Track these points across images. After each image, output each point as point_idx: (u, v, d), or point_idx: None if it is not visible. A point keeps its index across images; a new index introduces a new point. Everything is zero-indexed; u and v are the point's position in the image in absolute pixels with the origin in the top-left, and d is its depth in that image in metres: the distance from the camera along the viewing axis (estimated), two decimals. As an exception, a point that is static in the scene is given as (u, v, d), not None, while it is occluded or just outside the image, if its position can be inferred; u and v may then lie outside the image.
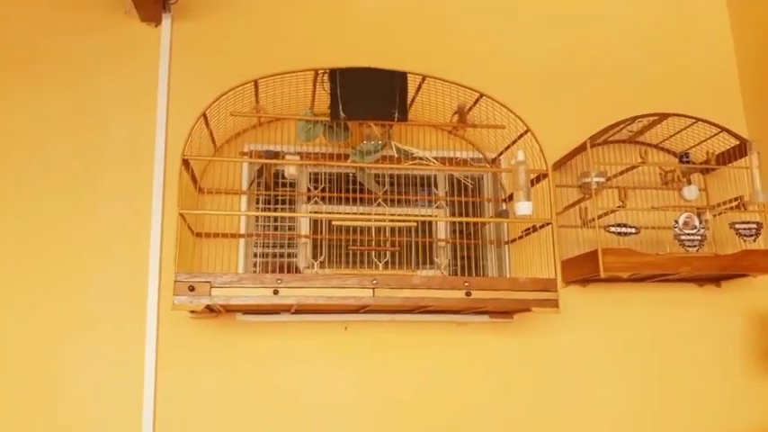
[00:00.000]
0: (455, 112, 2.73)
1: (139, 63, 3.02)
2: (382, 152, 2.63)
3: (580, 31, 3.41)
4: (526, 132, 2.69)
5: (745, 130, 3.35)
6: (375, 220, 2.69)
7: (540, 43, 3.36)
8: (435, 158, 2.95)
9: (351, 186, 2.87)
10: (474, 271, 3.10)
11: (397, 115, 2.55)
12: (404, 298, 2.41)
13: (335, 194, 2.88)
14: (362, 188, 2.90)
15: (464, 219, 3.00)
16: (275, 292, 2.33)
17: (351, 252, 2.92)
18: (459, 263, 3.12)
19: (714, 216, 3.05)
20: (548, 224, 2.63)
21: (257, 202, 3.00)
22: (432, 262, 3.01)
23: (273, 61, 2.78)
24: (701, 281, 3.11)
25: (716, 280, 3.10)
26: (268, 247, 3.02)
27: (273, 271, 2.84)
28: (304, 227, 3.00)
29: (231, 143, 2.92)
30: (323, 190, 2.94)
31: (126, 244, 2.79)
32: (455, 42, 3.28)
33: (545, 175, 2.68)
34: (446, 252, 3.07)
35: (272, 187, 2.86)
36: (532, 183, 2.77)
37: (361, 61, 2.61)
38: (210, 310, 2.63)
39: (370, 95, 2.55)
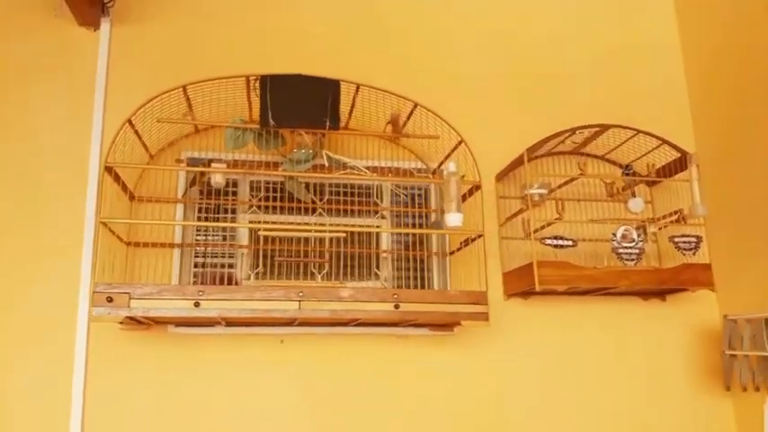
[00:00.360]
0: (388, 122, 2.69)
1: (77, 68, 2.97)
2: (313, 161, 2.57)
3: (528, 43, 3.40)
4: (460, 143, 2.66)
5: (692, 142, 3.33)
6: (301, 231, 2.64)
7: (489, 55, 3.33)
8: (376, 168, 2.92)
9: (286, 195, 2.82)
10: (419, 283, 3.07)
11: (328, 123, 2.50)
12: (331, 311, 2.36)
13: (270, 204, 2.85)
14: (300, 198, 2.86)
15: (395, 230, 2.96)
16: (196, 305, 2.27)
17: (290, 264, 2.88)
18: (404, 275, 3.08)
19: (660, 229, 3.04)
20: (479, 236, 2.58)
21: (199, 212, 2.95)
22: (375, 274, 2.96)
23: (215, 68, 2.71)
24: (645, 295, 3.08)
25: (661, 294, 3.08)
26: (209, 257, 2.96)
27: (213, 282, 2.78)
28: (244, 237, 2.95)
29: (167, 151, 2.87)
30: (261, 199, 2.90)
31: (59, 253, 2.73)
32: (398, 53, 3.24)
33: (478, 187, 2.63)
34: (388, 264, 3.02)
35: (205, 196, 2.80)
36: (468, 194, 2.74)
37: (302, 69, 2.57)
38: (139, 321, 2.57)
39: (301, 103, 2.52)
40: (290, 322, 2.66)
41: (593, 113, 3.14)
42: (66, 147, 2.86)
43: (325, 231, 2.64)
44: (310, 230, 2.61)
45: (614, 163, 3.21)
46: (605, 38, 3.47)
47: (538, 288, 2.61)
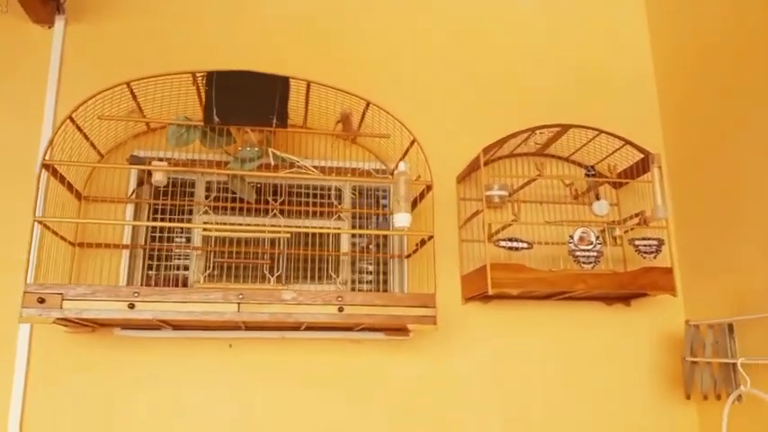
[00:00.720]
0: (338, 121, 2.63)
1: (29, 66, 2.92)
2: (261, 160, 2.51)
3: (493, 41, 3.33)
4: (413, 143, 2.59)
5: (661, 144, 3.26)
6: (239, 231, 2.58)
7: (450, 54, 3.27)
8: (333, 169, 2.87)
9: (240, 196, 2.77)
10: (379, 287, 3.01)
11: (275, 121, 2.44)
12: (272, 314, 2.29)
13: (227, 205, 2.80)
14: (258, 198, 2.81)
15: (337, 231, 2.90)
16: (131, 306, 2.20)
17: (243, 267, 2.82)
18: (365, 278, 3.02)
19: (626, 232, 2.97)
20: (430, 237, 2.51)
21: (155, 213, 2.89)
22: (328, 275, 2.90)
23: (170, 67, 2.65)
24: (609, 299, 3.00)
25: (625, 299, 3.00)
26: (162, 260, 2.90)
27: (166, 285, 2.71)
28: (197, 238, 2.89)
29: (118, 151, 2.81)
30: (214, 200, 2.85)
31: (2, 253, 2.67)
32: (356, 52, 3.19)
33: (430, 188, 2.56)
34: (346, 267, 2.96)
35: (152, 196, 2.74)
36: (422, 195, 2.67)
37: (257, 67, 2.51)
38: (82, 324, 2.51)
39: (247, 100, 2.45)
40: (238, 326, 2.60)
41: (559, 114, 3.08)
42: (15, 146, 2.80)
43: (265, 232, 2.57)
44: (249, 231, 2.54)
45: (580, 165, 3.15)
46: (571, 35, 3.41)
47: (490, 291, 2.53)
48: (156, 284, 2.70)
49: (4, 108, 2.85)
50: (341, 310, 2.33)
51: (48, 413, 2.55)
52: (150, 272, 2.88)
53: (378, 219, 3.08)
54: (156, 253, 2.85)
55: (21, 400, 2.54)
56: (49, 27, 2.98)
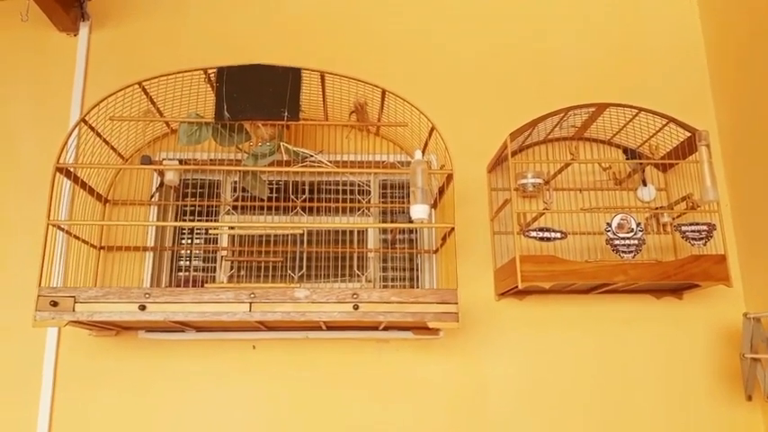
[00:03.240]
0: (352, 111, 2.52)
1: (56, 73, 2.96)
2: (275, 156, 2.43)
3: (521, 14, 3.15)
4: (432, 131, 2.45)
5: (713, 121, 2.99)
6: (252, 228, 2.51)
7: (475, 31, 3.11)
8: (354, 163, 2.76)
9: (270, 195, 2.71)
10: (409, 284, 2.89)
11: (286, 114, 2.36)
12: (284, 313, 2.20)
13: (253, 204, 2.74)
14: (279, 197, 2.75)
15: (354, 226, 2.76)
16: (142, 308, 2.16)
17: (270, 267, 2.76)
18: (392, 275, 2.91)
19: (675, 218, 2.72)
20: (452, 230, 2.36)
21: (184, 215, 2.88)
22: (353, 274, 2.79)
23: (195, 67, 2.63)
24: (658, 292, 2.76)
25: (676, 291, 2.75)
26: (183, 260, 2.89)
27: (186, 287, 2.68)
28: (224, 240, 2.86)
29: (141, 154, 2.80)
30: (238, 199, 2.80)
31: (28, 258, 2.70)
32: (376, 40, 3.08)
33: (451, 177, 2.41)
34: (373, 264, 2.85)
35: (173, 197, 2.71)
36: (444, 186, 2.53)
37: (279, 63, 2.43)
38: (105, 328, 2.51)
39: (258, 94, 2.38)
40: (258, 327, 2.53)
41: (597, 92, 2.88)
42: (42, 153, 2.83)
43: (287, 228, 2.48)
44: (269, 227, 2.46)
45: (620, 147, 2.92)
46: (609, 3, 3.16)
47: (520, 285, 2.36)
48: (178, 286, 2.66)
49: (31, 115, 2.90)
50: (356, 308, 2.22)
51: (76, 416, 2.56)
52: (180, 273, 2.88)
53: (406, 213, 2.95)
54: (178, 254, 2.82)
55: (49, 402, 2.56)
56: (75, 35, 3.02)
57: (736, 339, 2.64)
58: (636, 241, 2.43)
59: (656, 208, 2.75)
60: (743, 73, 2.84)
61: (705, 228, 2.48)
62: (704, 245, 2.48)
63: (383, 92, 2.48)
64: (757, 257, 2.69)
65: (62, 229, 2.40)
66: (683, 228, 2.49)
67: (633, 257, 2.42)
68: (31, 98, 2.92)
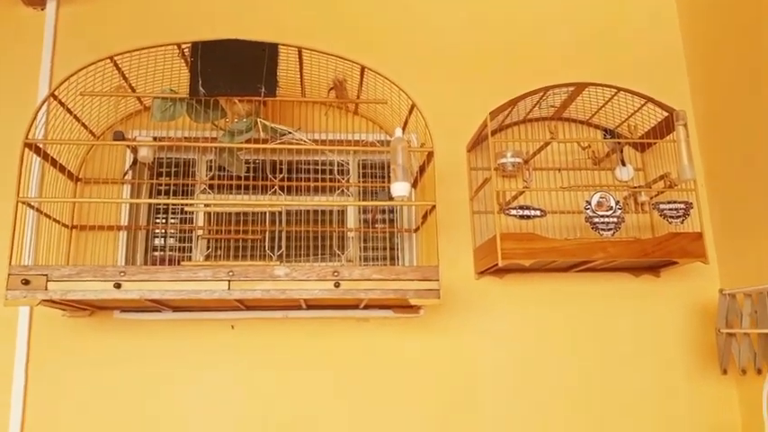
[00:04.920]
0: (330, 88, 2.48)
1: (22, 49, 2.87)
2: (254, 132, 2.39)
3: (508, 4, 3.13)
4: (413, 108, 2.43)
5: (689, 101, 3.01)
6: (243, 207, 2.46)
7: (455, 9, 3.08)
8: (332, 141, 2.73)
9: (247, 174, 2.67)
10: (389, 263, 2.87)
11: (263, 90, 2.31)
12: (264, 290, 2.17)
13: (231, 183, 2.69)
14: (257, 176, 2.70)
15: (334, 204, 2.75)
16: (117, 286, 2.12)
17: (245, 246, 2.72)
18: (372, 255, 2.89)
19: (652, 197, 2.74)
20: (433, 207, 2.35)
21: (158, 194, 2.81)
22: (333, 253, 2.77)
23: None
24: (636, 270, 2.79)
25: (654, 269, 2.78)
26: (158, 239, 2.84)
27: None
28: (200, 219, 2.81)
29: (113, 131, 2.73)
30: (213, 178, 2.75)
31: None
32: (355, 15, 3.04)
33: (431, 155, 2.39)
34: (353, 243, 2.83)
35: (148, 176, 2.65)
36: (425, 165, 2.51)
37: (254, 37, 2.37)
38: (78, 307, 2.45)
39: (234, 70, 2.33)
40: (238, 306, 2.50)
41: (576, 72, 2.89)
42: (9, 130, 2.74)
43: (265, 206, 2.45)
44: (247, 205, 2.42)
45: (599, 128, 2.93)
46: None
47: (501, 263, 2.36)
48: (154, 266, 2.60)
49: (-1, 93, 2.80)
50: (337, 285, 2.19)
51: (49, 398, 2.51)
52: (155, 253, 2.82)
53: (387, 192, 2.93)
54: (146, 233, 2.76)
55: (23, 384, 2.51)
56: (42, 9, 2.92)
57: (712, 315, 2.69)
58: (615, 219, 2.45)
59: (635, 187, 2.77)
60: (717, 53, 2.86)
61: (682, 206, 2.51)
62: (681, 222, 2.51)
63: (362, 69, 2.45)
64: (732, 235, 2.73)
65: (32, 207, 2.33)
66: (661, 206, 2.52)
67: (612, 235, 2.44)
68: (-2, 73, 2.82)
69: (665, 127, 2.67)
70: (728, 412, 2.66)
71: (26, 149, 2.24)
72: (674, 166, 2.59)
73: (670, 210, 2.50)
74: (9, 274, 2.10)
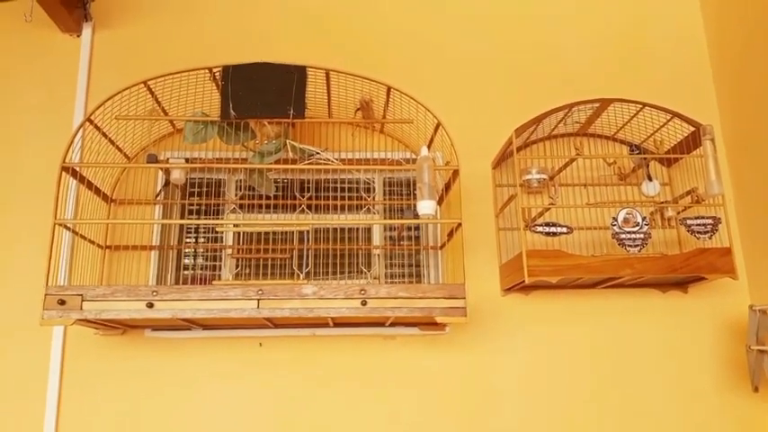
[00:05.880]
0: (357, 108, 2.52)
1: (59, 74, 2.96)
2: (283, 153, 2.44)
3: (525, 11, 3.16)
4: (438, 127, 2.46)
5: (716, 115, 3.00)
6: (270, 226, 2.50)
7: (479, 28, 3.12)
8: (360, 160, 2.77)
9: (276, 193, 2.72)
10: (415, 280, 2.89)
11: (292, 112, 2.36)
12: (293, 309, 2.21)
13: (260, 202, 2.74)
14: (285, 195, 2.75)
15: (355, 222, 2.76)
16: (149, 305, 2.17)
17: (278, 265, 2.77)
18: (398, 272, 2.91)
19: (679, 213, 2.73)
20: (459, 225, 2.37)
21: (190, 213, 2.88)
22: (359, 270, 2.80)
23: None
24: (664, 286, 2.77)
25: (681, 285, 2.76)
26: (189, 258, 2.90)
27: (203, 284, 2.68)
28: (229, 238, 2.86)
29: (146, 153, 2.80)
30: (243, 198, 2.80)
31: (35, 256, 2.69)
32: (381, 37, 3.09)
33: (457, 173, 2.41)
34: (378, 261, 2.85)
35: (179, 196, 2.72)
36: (450, 182, 2.53)
37: (281, 60, 2.44)
38: (111, 326, 2.51)
39: (263, 92, 2.39)
40: (266, 324, 2.53)
41: (601, 88, 2.88)
42: (47, 154, 2.83)
43: (293, 225, 2.49)
44: (274, 225, 2.46)
45: (624, 143, 2.92)
46: (609, 3, 3.17)
47: (527, 280, 2.37)
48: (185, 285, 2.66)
49: (36, 116, 2.90)
50: (364, 303, 2.22)
51: (82, 415, 2.56)
52: (185, 272, 2.88)
53: (412, 210, 2.95)
54: (177, 253, 2.82)
55: (56, 402, 2.56)
56: (78, 36, 3.02)
57: (742, 331, 2.65)
58: (641, 235, 2.44)
59: (661, 202, 2.76)
60: (745, 68, 2.85)
61: (710, 221, 2.49)
62: (709, 238, 2.49)
63: (388, 89, 2.49)
64: (761, 250, 2.70)
65: (68, 229, 2.40)
66: (689, 221, 2.50)
67: (639, 251, 2.43)
68: (36, 99, 2.92)
69: (692, 141, 2.65)
70: (761, 431, 2.61)
71: (63, 173, 2.30)
72: (702, 180, 2.58)
73: (698, 225, 2.49)
74: (46, 294, 2.17)
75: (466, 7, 3.15)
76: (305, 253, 2.74)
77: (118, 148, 2.65)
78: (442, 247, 2.78)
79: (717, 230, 2.49)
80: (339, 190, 2.87)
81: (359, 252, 2.84)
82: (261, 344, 2.66)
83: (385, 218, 2.89)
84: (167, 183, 2.72)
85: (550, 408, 2.64)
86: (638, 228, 2.44)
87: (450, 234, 2.60)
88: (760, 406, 2.63)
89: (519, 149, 2.67)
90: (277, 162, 2.45)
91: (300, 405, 2.61)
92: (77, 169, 2.40)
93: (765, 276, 2.68)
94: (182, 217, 2.84)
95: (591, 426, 2.62)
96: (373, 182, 2.90)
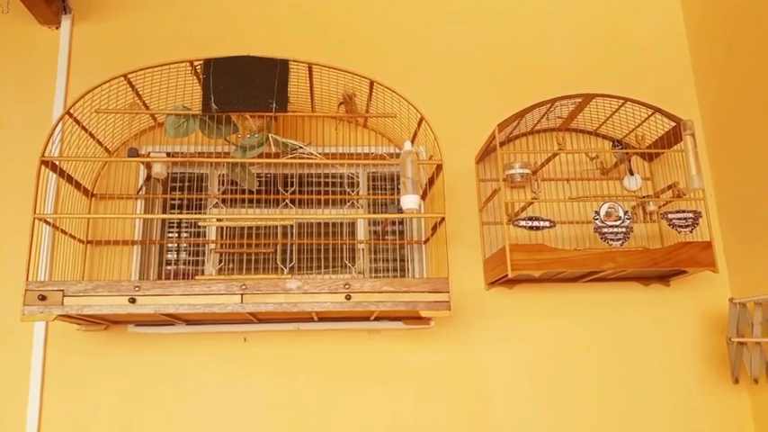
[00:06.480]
0: (340, 103, 2.52)
1: (38, 67, 2.92)
2: (265, 147, 2.42)
3: (508, 6, 3.16)
4: (421, 121, 2.46)
5: (697, 110, 3.03)
6: (254, 221, 2.49)
7: (463, 23, 3.12)
8: (342, 154, 2.76)
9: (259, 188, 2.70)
10: (400, 275, 2.89)
11: (274, 106, 2.35)
12: (276, 304, 2.20)
13: (243, 197, 2.72)
14: (268, 189, 2.74)
15: (343, 217, 2.77)
16: (132, 301, 2.15)
17: (259, 260, 2.75)
18: (382, 266, 2.91)
19: (660, 207, 2.76)
20: (442, 219, 2.37)
21: (171, 208, 2.85)
22: (343, 265, 2.79)
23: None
24: (646, 280, 2.80)
25: (663, 278, 2.79)
26: (171, 253, 2.87)
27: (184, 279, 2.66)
28: (212, 233, 2.84)
29: (127, 147, 2.77)
30: (225, 192, 2.78)
31: (14, 252, 2.66)
32: (363, 31, 3.09)
33: (440, 167, 2.42)
34: (363, 255, 2.85)
35: (161, 191, 2.69)
36: (434, 177, 2.54)
37: (263, 54, 2.41)
38: (93, 321, 2.48)
39: (246, 86, 2.37)
40: (250, 319, 2.52)
41: (584, 83, 2.91)
42: (25, 147, 2.80)
43: (277, 220, 2.48)
44: (257, 219, 2.45)
45: (606, 138, 2.95)
46: (598, 6, 3.19)
47: (510, 274, 2.38)
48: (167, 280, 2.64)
49: (14, 110, 2.86)
50: (348, 297, 2.22)
51: (66, 411, 2.54)
52: (168, 267, 2.86)
53: (396, 204, 2.95)
54: (159, 248, 2.80)
55: (38, 398, 2.53)
56: (56, 28, 2.98)
57: (723, 324, 2.69)
58: (624, 229, 2.46)
59: (643, 196, 2.78)
60: (725, 63, 2.88)
61: (691, 215, 2.52)
62: (690, 232, 2.51)
63: (371, 83, 2.48)
64: (741, 244, 2.74)
65: (48, 223, 2.37)
66: (670, 215, 2.52)
67: (621, 245, 2.45)
68: (14, 92, 2.88)
69: (673, 136, 2.68)
70: (741, 421, 2.65)
71: (42, 166, 2.27)
72: (683, 175, 2.61)
73: (679, 219, 2.51)
74: (26, 290, 2.14)
75: (450, 2, 3.14)
76: (289, 248, 2.73)
77: (98, 141, 2.62)
78: (426, 242, 2.79)
79: (698, 224, 2.51)
80: (323, 184, 2.86)
81: (343, 246, 2.84)
82: (245, 339, 2.64)
83: (369, 212, 2.88)
84: (149, 177, 2.69)
85: (535, 399, 2.65)
86: (620, 222, 2.46)
87: (434, 228, 2.61)
88: (740, 397, 2.67)
89: (502, 144, 2.67)
90: (260, 156, 2.43)
91: (285, 400, 2.60)
92: (57, 163, 2.37)
93: (745, 270, 2.71)
94: (164, 211, 2.82)
95: (574, 416, 2.64)
96: (357, 176, 2.89)
